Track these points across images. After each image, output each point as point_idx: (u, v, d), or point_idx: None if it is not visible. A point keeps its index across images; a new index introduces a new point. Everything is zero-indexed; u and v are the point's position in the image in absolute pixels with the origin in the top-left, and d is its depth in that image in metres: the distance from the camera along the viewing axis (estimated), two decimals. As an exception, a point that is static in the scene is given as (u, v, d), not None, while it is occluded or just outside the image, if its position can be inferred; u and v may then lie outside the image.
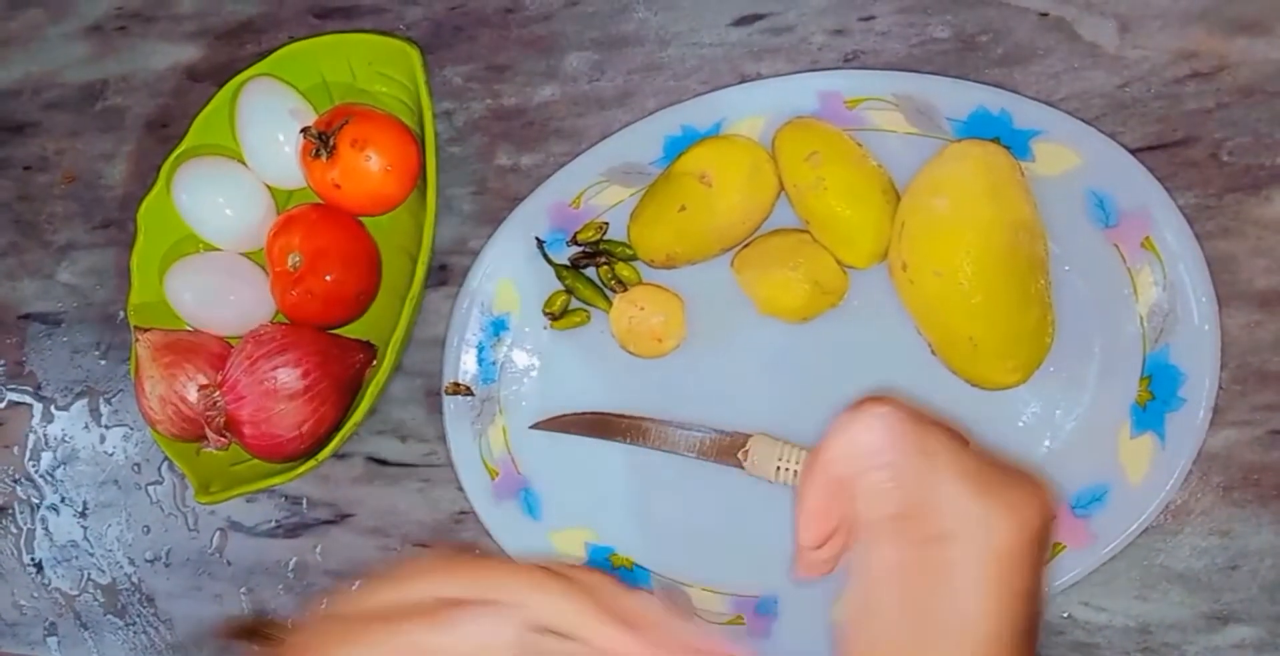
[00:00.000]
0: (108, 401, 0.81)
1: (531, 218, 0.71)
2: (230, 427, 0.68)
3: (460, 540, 0.72)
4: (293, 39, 0.75)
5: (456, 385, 0.71)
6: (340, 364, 0.69)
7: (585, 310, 0.70)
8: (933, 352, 0.63)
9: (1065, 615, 0.63)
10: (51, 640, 0.81)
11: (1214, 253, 0.61)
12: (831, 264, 0.65)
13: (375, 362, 0.71)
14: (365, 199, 0.71)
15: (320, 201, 0.73)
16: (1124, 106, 0.64)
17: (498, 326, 0.71)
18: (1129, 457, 0.61)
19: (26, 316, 0.83)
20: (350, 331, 0.73)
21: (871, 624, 0.43)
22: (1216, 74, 0.63)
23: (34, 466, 0.82)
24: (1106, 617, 0.62)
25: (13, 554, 0.82)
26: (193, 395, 0.69)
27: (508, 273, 0.71)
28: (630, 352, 0.69)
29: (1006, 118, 0.64)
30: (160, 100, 0.82)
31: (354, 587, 0.43)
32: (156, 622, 0.79)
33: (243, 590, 0.77)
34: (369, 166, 0.69)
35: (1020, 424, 0.63)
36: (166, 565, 0.79)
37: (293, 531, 0.76)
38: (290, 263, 0.70)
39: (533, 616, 0.41)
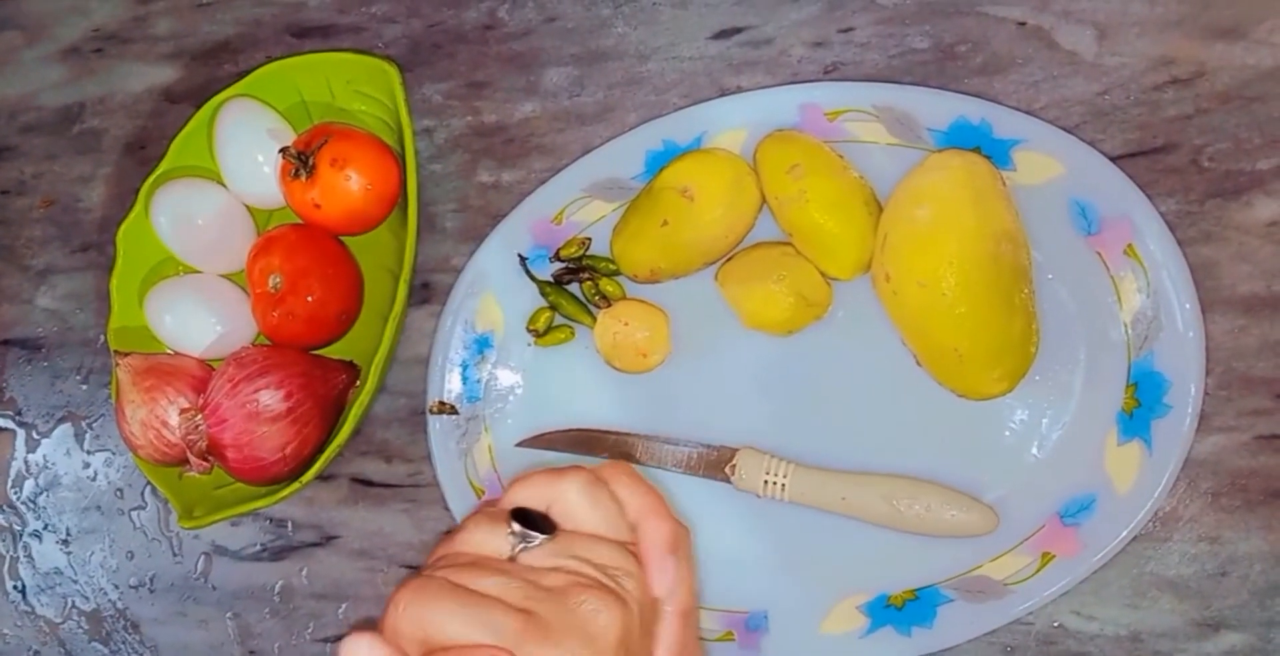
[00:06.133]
0: (89, 426, 0.80)
1: (514, 234, 0.71)
2: (213, 451, 0.67)
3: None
4: (270, 59, 0.74)
5: (441, 404, 0.70)
6: (323, 385, 0.69)
7: (569, 326, 0.70)
8: (918, 363, 0.63)
9: (1056, 624, 0.63)
10: (36, 669, 0.81)
11: (1197, 259, 0.62)
12: (815, 276, 0.64)
13: (359, 383, 0.71)
14: (346, 218, 0.71)
15: (300, 222, 0.72)
16: (1104, 114, 0.64)
17: (482, 344, 0.71)
18: (1116, 465, 0.61)
19: (6, 342, 0.82)
20: (333, 352, 0.72)
21: None
22: (1195, 80, 0.63)
23: (16, 493, 0.81)
24: (1097, 626, 0.62)
25: (-5, 582, 0.81)
26: (174, 419, 0.68)
27: (491, 290, 0.71)
28: (615, 368, 0.68)
29: (987, 127, 0.64)
30: (138, 122, 0.81)
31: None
32: (142, 649, 0.78)
33: (228, 615, 0.76)
34: (349, 186, 0.69)
35: (1007, 433, 0.63)
36: (151, 591, 0.78)
37: (278, 555, 0.75)
38: (271, 284, 0.70)
39: None
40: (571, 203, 0.70)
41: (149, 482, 0.75)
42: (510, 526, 0.42)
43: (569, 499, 0.44)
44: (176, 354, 0.73)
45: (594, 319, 0.69)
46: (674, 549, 0.45)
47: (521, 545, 0.42)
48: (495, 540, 0.42)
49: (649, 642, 0.43)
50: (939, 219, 0.59)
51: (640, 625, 0.42)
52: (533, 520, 0.43)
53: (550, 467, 0.45)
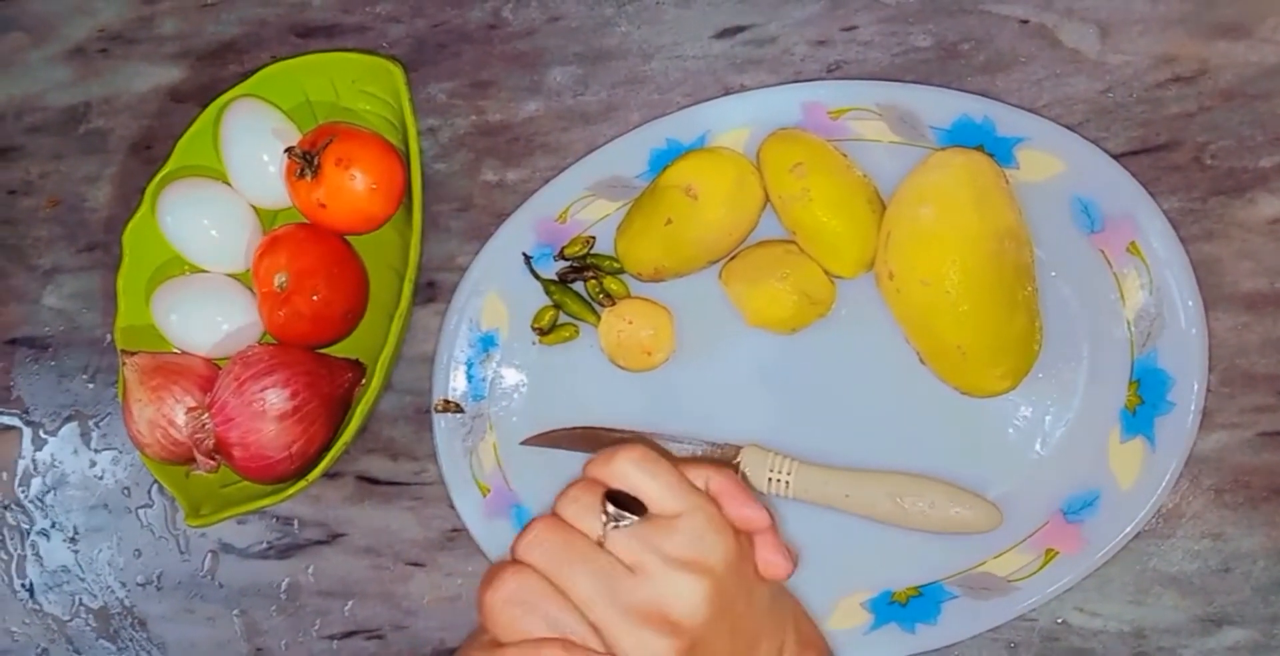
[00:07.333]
0: (96, 425, 0.80)
1: (518, 233, 0.71)
2: (220, 450, 0.68)
3: (454, 558, 0.72)
4: (275, 59, 0.75)
5: (446, 402, 0.71)
6: (329, 383, 0.69)
7: (574, 325, 0.70)
8: (922, 361, 0.63)
9: (1060, 621, 0.63)
10: (44, 666, 0.81)
11: (1199, 256, 0.62)
12: (819, 274, 0.65)
13: (364, 381, 0.71)
14: (351, 218, 0.71)
15: (306, 221, 0.72)
16: (1107, 112, 0.64)
17: (486, 342, 0.71)
18: (1119, 462, 0.61)
19: (13, 341, 0.83)
20: (339, 350, 0.73)
21: None
22: (1198, 78, 0.63)
23: (23, 492, 0.81)
24: (1101, 622, 0.62)
25: (3, 580, 0.81)
26: (181, 418, 0.68)
27: (495, 288, 0.71)
28: (620, 366, 0.69)
29: (990, 125, 0.64)
30: (143, 122, 0.82)
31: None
32: (150, 646, 0.78)
33: (235, 612, 0.76)
34: (354, 185, 0.69)
35: (1010, 431, 0.63)
36: (158, 589, 0.78)
37: (285, 552, 0.75)
38: (277, 283, 0.70)
39: None
40: (575, 201, 0.70)
41: (156, 481, 0.75)
42: (605, 508, 0.46)
43: (629, 479, 0.47)
44: (183, 353, 0.73)
45: (598, 317, 0.69)
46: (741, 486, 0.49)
47: (613, 524, 0.45)
48: (589, 517, 0.46)
49: (748, 568, 0.48)
50: (942, 217, 0.59)
51: (736, 574, 0.46)
52: (626, 500, 0.47)
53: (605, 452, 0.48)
